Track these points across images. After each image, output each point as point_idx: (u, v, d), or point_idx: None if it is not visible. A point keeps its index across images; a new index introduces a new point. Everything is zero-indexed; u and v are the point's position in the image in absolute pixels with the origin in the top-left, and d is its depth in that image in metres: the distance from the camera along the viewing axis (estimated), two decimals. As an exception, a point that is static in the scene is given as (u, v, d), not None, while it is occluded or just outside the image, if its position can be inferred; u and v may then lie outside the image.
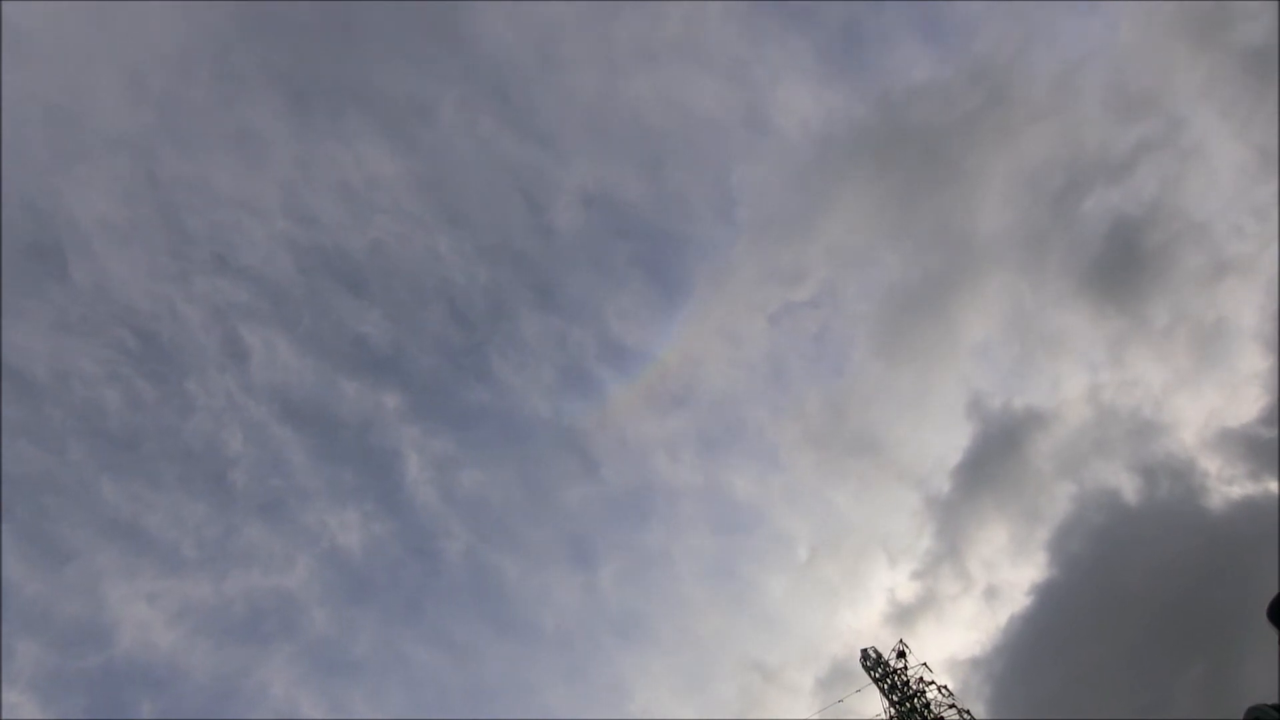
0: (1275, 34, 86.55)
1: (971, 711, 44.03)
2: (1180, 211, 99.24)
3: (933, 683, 45.07)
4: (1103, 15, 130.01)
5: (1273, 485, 75.90)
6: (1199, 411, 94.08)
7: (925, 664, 45.68)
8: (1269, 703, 16.59)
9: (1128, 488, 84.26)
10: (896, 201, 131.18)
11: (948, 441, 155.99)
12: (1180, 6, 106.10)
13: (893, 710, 45.16)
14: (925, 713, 44.23)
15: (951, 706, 44.17)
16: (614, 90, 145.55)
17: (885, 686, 45.86)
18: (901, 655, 46.29)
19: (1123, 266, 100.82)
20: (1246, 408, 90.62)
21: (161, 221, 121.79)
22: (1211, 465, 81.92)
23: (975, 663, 77.96)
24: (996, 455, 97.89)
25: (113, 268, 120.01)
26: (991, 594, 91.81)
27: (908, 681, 45.52)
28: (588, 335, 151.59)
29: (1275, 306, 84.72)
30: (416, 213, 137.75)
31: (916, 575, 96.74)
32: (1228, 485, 79.65)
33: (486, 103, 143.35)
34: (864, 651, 47.35)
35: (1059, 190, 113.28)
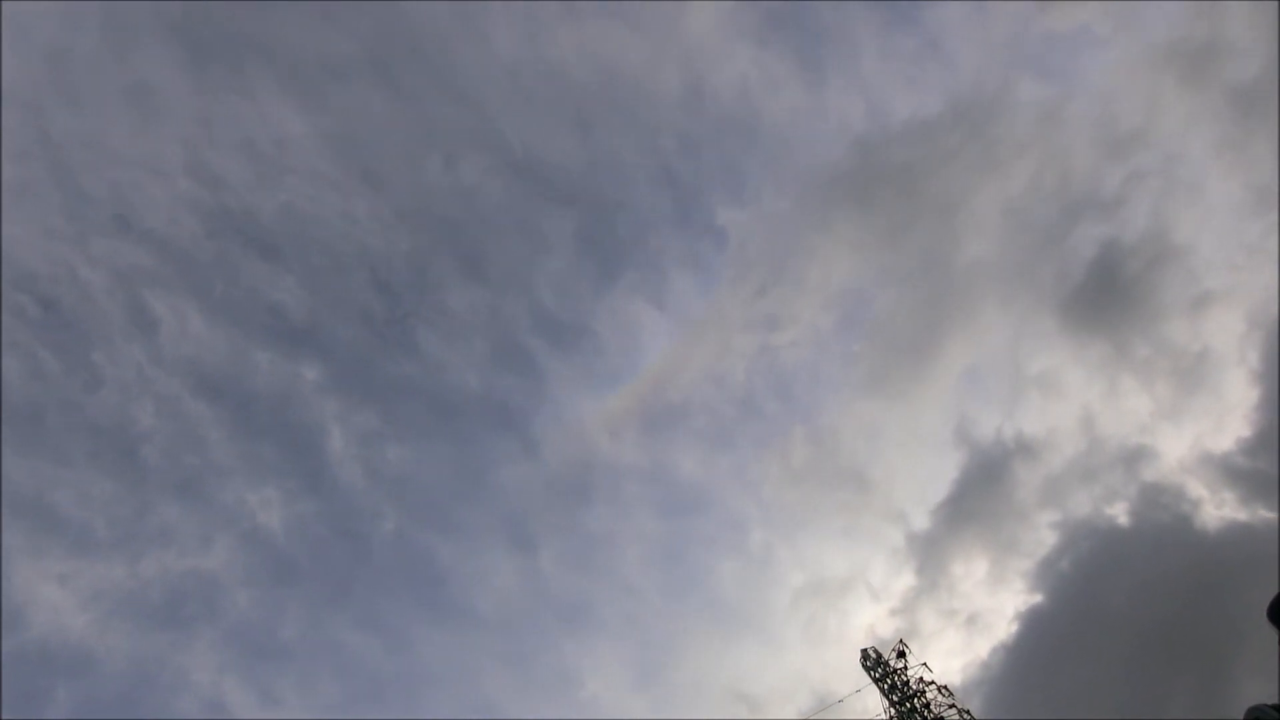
0: (1266, 70, 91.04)
1: (971, 711, 44.11)
2: (1167, 243, 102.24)
3: (932, 683, 45.15)
4: (1091, 51, 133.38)
5: (1260, 510, 77.45)
6: (1184, 439, 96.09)
7: (925, 664, 45.85)
8: (1269, 703, 17.29)
9: (1113, 514, 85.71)
10: (881, 237, 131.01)
11: (934, 474, 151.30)
12: (1171, 42, 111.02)
13: (893, 710, 45.08)
14: (925, 713, 44.19)
15: (951, 706, 44.18)
16: (538, 47, 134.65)
17: (885, 686, 45.83)
18: (901, 655, 46.34)
19: (1109, 298, 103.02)
20: (1231, 435, 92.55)
21: (56, 181, 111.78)
22: (1197, 491, 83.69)
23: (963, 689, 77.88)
24: (983, 485, 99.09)
25: (6, 229, 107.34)
26: (973, 622, 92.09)
27: (907, 681, 45.52)
28: (519, 307, 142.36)
29: (1259, 337, 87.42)
30: (329, 175, 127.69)
31: (895, 612, 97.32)
32: (1215, 510, 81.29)
33: (402, 60, 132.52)
34: (864, 651, 47.33)
35: (1045, 223, 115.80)
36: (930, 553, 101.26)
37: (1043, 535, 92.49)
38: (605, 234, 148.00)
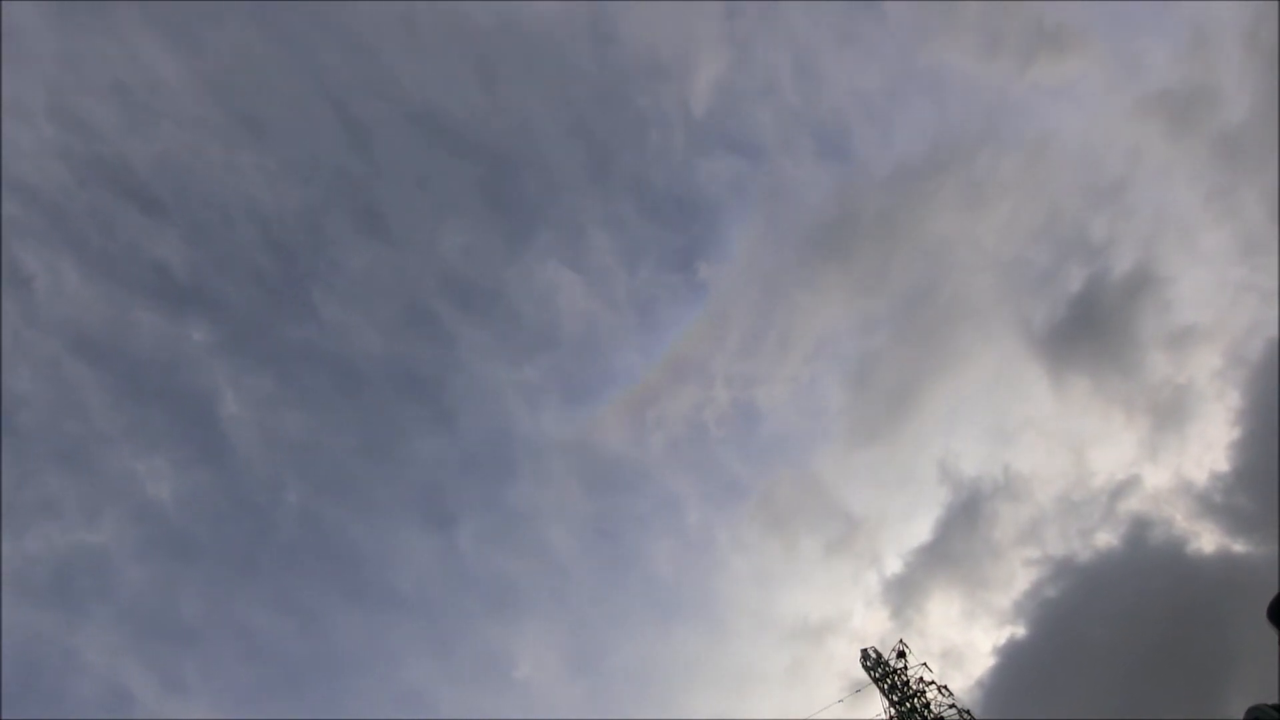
0: (1255, 115, 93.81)
1: (971, 712, 44.25)
2: (1148, 283, 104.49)
3: (933, 683, 45.26)
4: (1076, 96, 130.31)
5: (1240, 543, 78.73)
6: (1165, 473, 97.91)
7: (925, 664, 45.98)
8: (1269, 703, 16.85)
9: (1094, 547, 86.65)
10: (864, 283, 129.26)
11: (916, 514, 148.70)
12: (1160, 86, 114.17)
13: (893, 710, 45.09)
14: (925, 713, 44.25)
15: (951, 706, 44.29)
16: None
17: (885, 686, 45.87)
18: (901, 655, 46.42)
19: (1090, 337, 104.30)
20: (1212, 468, 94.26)
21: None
22: (1179, 524, 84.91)
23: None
24: (964, 523, 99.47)
25: None
26: (947, 656, 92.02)
27: (908, 681, 45.60)
28: (424, 268, 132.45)
29: (1238, 374, 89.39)
30: (209, 122, 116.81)
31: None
32: (1197, 543, 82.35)
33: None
34: (864, 651, 47.38)
35: (1029, 265, 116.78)
36: (908, 592, 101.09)
37: (1023, 570, 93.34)
38: (514, 191, 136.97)
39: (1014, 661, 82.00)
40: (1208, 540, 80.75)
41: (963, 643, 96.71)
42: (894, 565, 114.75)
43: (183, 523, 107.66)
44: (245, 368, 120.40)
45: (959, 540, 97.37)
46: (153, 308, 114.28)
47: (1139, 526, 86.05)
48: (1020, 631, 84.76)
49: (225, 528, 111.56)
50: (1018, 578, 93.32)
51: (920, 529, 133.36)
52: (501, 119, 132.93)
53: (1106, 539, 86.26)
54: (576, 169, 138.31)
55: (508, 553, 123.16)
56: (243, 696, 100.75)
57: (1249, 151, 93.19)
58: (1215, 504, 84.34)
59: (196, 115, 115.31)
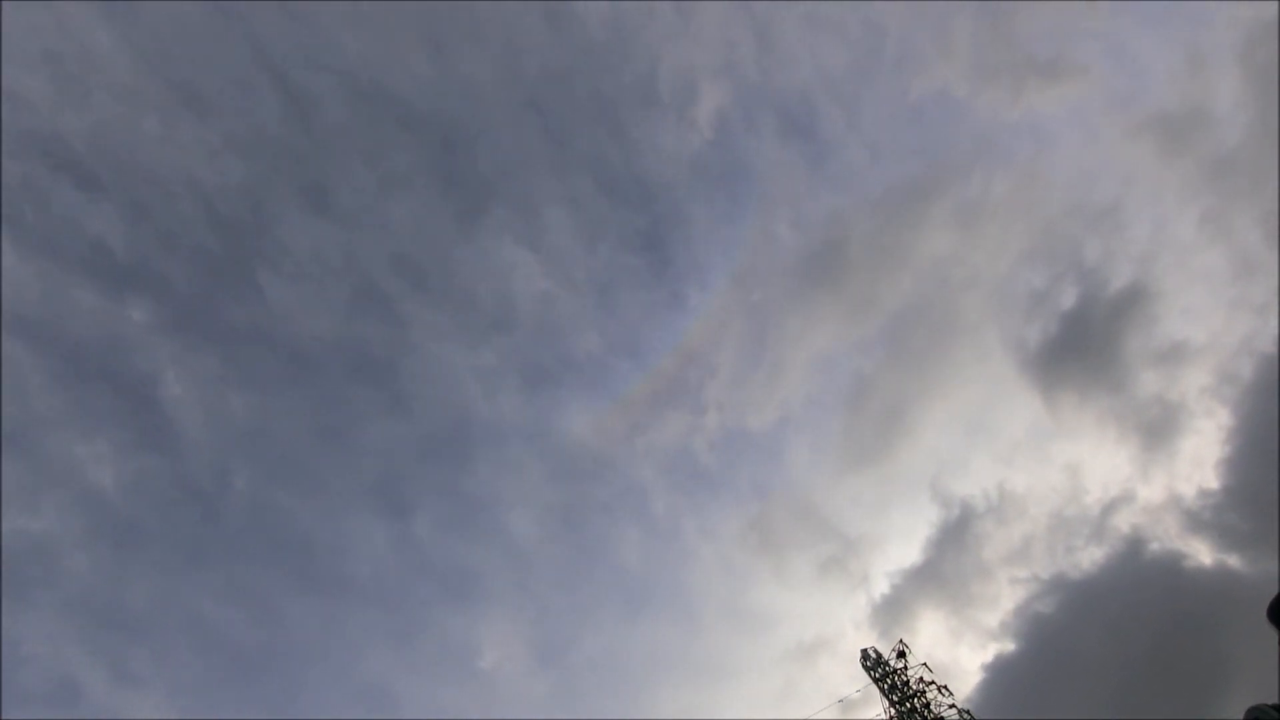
0: (1248, 137, 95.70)
1: (971, 712, 44.24)
2: (1139, 302, 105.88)
3: (932, 683, 45.27)
4: (1070, 119, 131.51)
5: (1232, 557, 79.34)
6: (1158, 488, 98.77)
7: (925, 664, 45.98)
8: (1269, 703, 16.89)
9: (1087, 562, 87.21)
10: (853, 307, 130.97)
11: (907, 535, 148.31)
12: (1154, 109, 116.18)
13: (893, 710, 45.03)
14: (925, 713, 44.22)
15: (951, 706, 44.29)
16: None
17: (885, 686, 45.83)
18: (901, 655, 46.45)
19: (1082, 356, 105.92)
20: (1202, 484, 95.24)
21: None
22: (1170, 538, 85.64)
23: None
24: (956, 543, 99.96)
25: None
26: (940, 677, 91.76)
27: (908, 682, 45.59)
28: (373, 247, 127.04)
29: (1228, 392, 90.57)
30: (145, 94, 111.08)
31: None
32: (1187, 557, 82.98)
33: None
34: (864, 651, 47.36)
35: (1022, 285, 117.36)
36: (897, 612, 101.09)
37: (1014, 588, 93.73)
38: (465, 167, 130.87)
39: (1003, 677, 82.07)
40: (1199, 556, 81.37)
41: (949, 660, 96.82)
42: (885, 585, 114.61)
43: (127, 509, 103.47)
44: (188, 349, 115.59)
45: (950, 560, 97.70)
46: (91, 287, 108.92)
47: (1130, 543, 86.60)
48: (1009, 647, 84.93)
49: (172, 514, 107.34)
50: (1008, 595, 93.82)
51: (912, 549, 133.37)
52: (450, 92, 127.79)
53: (1096, 555, 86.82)
54: (530, 144, 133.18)
55: (468, 541, 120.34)
56: (196, 687, 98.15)
57: (1242, 172, 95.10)
58: (1205, 520, 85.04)
59: (131, 86, 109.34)
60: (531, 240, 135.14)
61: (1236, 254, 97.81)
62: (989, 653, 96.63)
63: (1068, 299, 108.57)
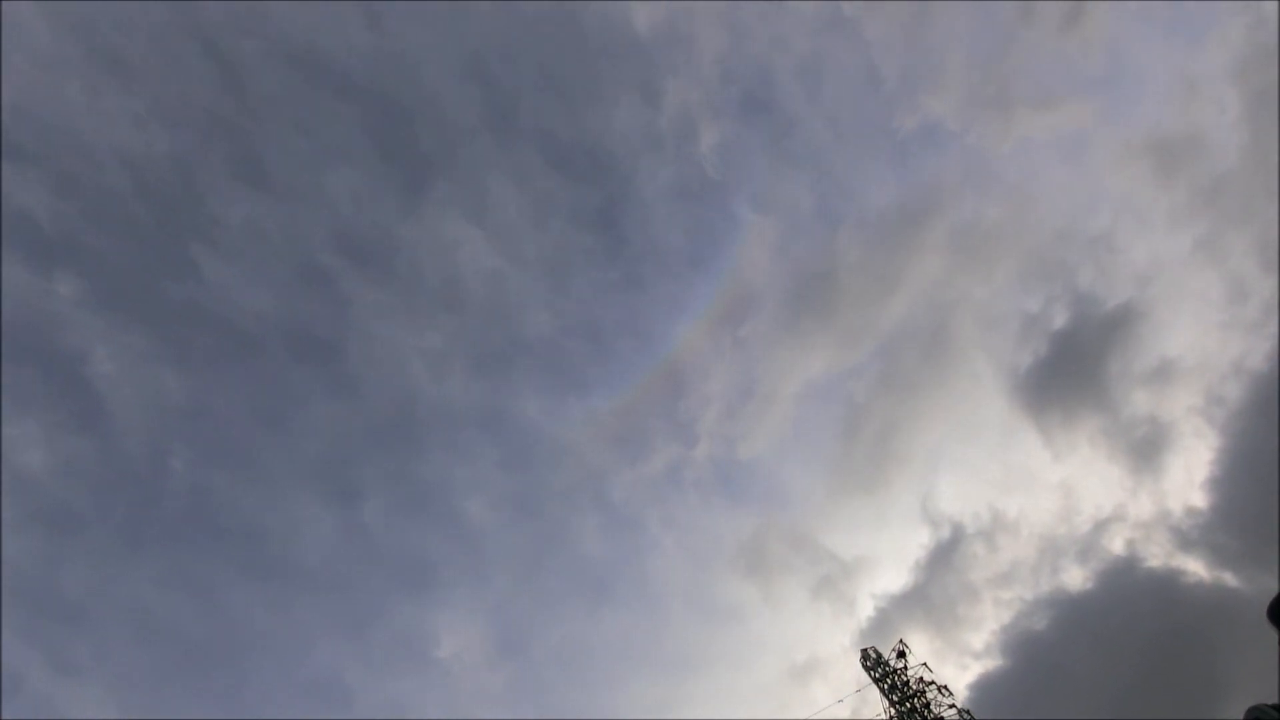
0: (1242, 162, 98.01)
1: (971, 712, 44.26)
2: (1130, 324, 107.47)
3: (932, 683, 45.31)
4: (1063, 144, 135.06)
5: (1223, 574, 79.99)
6: (1147, 508, 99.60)
7: (925, 664, 46.03)
8: (1269, 703, 17.14)
9: (1076, 581, 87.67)
10: (843, 333, 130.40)
11: (898, 558, 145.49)
12: (1147, 134, 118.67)
13: (893, 710, 45.01)
14: (925, 713, 44.22)
15: (951, 706, 44.32)
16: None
17: (885, 686, 45.83)
18: (901, 655, 46.51)
19: (1073, 378, 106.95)
20: (1192, 503, 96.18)
21: None
22: (1160, 557, 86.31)
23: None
24: (946, 565, 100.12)
25: None
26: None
27: (908, 681, 45.61)
28: (312, 222, 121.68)
29: (1217, 412, 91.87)
30: (69, 61, 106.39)
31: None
32: (1178, 575, 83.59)
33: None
34: (864, 651, 47.42)
35: (1013, 309, 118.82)
36: (887, 634, 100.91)
37: (1003, 607, 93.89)
38: (405, 137, 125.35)
39: (989, 696, 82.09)
40: (1190, 573, 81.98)
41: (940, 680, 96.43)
42: (872, 607, 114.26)
43: (59, 492, 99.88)
44: (120, 326, 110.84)
45: (940, 581, 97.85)
46: (16, 260, 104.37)
47: (1120, 561, 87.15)
48: (998, 665, 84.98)
49: (107, 498, 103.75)
50: (998, 615, 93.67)
51: (903, 571, 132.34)
52: (389, 60, 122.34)
53: (1086, 574, 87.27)
54: (474, 115, 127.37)
55: (421, 528, 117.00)
56: (140, 678, 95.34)
57: (1234, 196, 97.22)
58: (1195, 539, 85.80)
59: (54, 53, 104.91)
60: (478, 217, 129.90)
61: (1229, 276, 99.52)
62: (976, 672, 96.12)
63: (1059, 321, 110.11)
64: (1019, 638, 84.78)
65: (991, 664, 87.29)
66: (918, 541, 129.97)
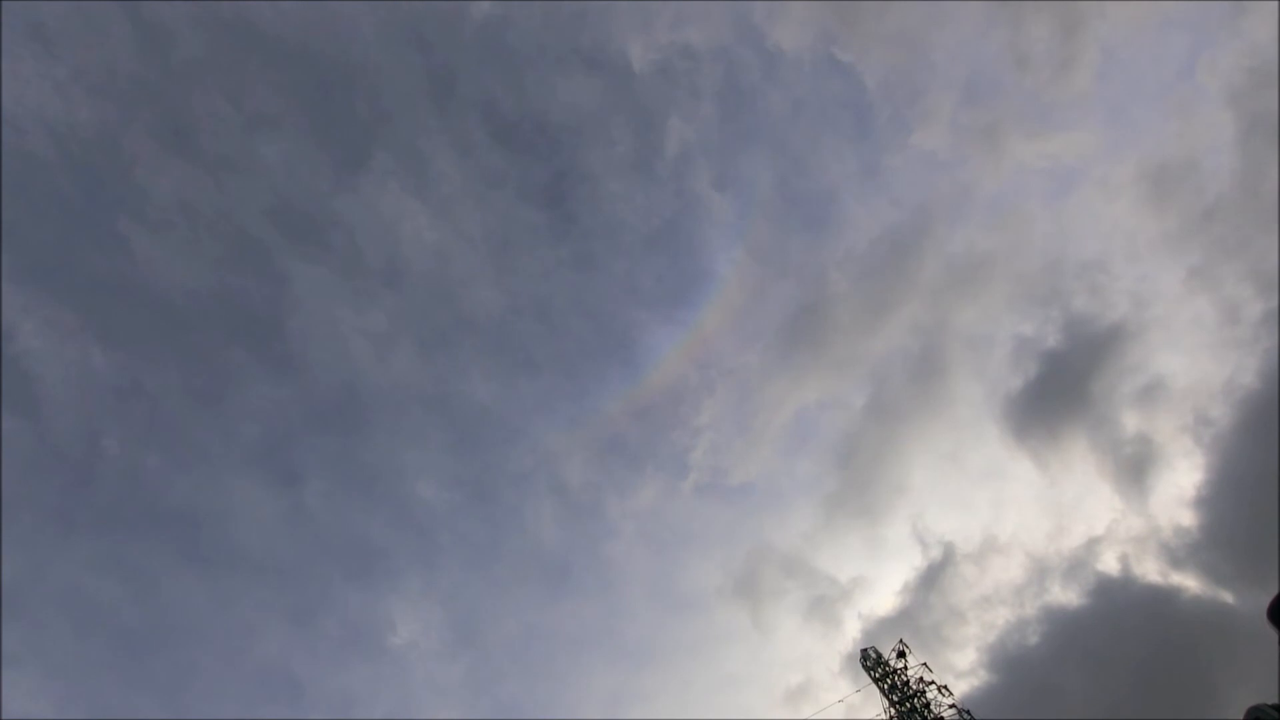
0: (1236, 187, 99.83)
1: (971, 712, 44.22)
2: (1120, 346, 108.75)
3: (932, 683, 45.29)
4: (1055, 171, 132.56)
5: (1215, 592, 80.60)
6: (1137, 527, 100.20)
7: (925, 664, 46.03)
8: (1269, 703, 17.30)
9: (1066, 601, 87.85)
10: (835, 360, 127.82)
11: (889, 582, 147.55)
12: (1140, 160, 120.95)
13: (893, 710, 44.92)
14: (925, 713, 44.16)
15: (951, 706, 44.28)
16: None
17: (885, 686, 45.76)
18: (902, 655, 46.51)
19: (1063, 400, 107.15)
20: (1182, 522, 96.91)
21: None
22: (1151, 576, 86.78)
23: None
24: (936, 590, 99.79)
25: None
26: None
27: (908, 681, 45.58)
28: (244, 193, 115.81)
29: (1205, 431, 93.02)
30: None
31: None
32: (1168, 594, 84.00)
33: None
34: (864, 651, 47.40)
35: (1005, 333, 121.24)
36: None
37: (991, 629, 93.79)
38: (343, 108, 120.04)
39: (978, 710, 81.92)
40: (1181, 590, 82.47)
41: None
42: (862, 629, 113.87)
43: None
44: (44, 300, 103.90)
45: (928, 604, 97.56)
46: None
47: (1111, 580, 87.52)
48: (984, 681, 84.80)
49: (35, 480, 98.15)
50: (984, 635, 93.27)
51: (892, 594, 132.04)
52: (322, 24, 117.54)
53: (1076, 594, 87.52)
54: (413, 83, 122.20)
55: (368, 514, 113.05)
56: (77, 667, 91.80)
57: (1228, 223, 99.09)
58: (1184, 559, 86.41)
59: None
60: (420, 190, 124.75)
61: (1221, 300, 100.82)
62: (960, 690, 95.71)
63: (1050, 344, 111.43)
64: (1006, 655, 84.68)
65: (978, 681, 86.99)
66: (910, 564, 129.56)
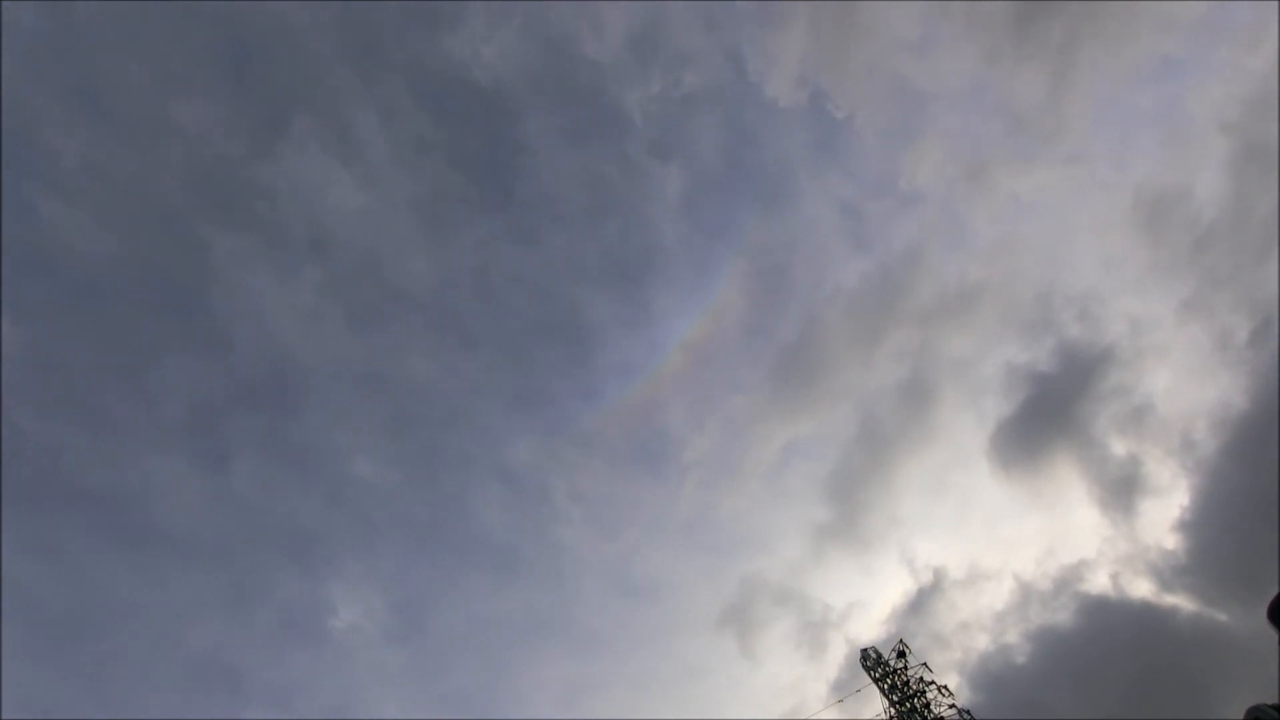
0: (1227, 213, 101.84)
1: (971, 712, 44.20)
2: (1109, 371, 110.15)
3: (932, 683, 45.29)
4: (1046, 197, 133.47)
5: (1207, 612, 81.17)
6: (1125, 551, 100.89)
7: (925, 664, 46.04)
8: (1269, 703, 17.38)
9: (1054, 623, 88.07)
10: (826, 388, 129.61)
11: (880, 606, 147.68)
12: (1135, 185, 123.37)
13: (893, 710, 44.84)
14: (925, 712, 44.13)
15: (951, 706, 44.27)
16: None
17: (885, 686, 45.71)
18: (901, 655, 46.53)
19: (1051, 425, 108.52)
20: (1169, 546, 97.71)
21: None
22: (1140, 599, 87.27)
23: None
24: (927, 610, 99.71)
25: None
26: None
27: (908, 681, 45.56)
28: (157, 158, 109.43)
29: (1190, 455, 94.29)
30: None
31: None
32: (1159, 615, 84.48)
33: None
34: (864, 651, 47.38)
35: (992, 359, 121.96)
36: (863, 680, 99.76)
37: (978, 654, 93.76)
38: (260, 68, 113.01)
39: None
40: (1172, 612, 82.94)
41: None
42: (848, 656, 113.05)
43: None
44: None
45: (917, 629, 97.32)
46: None
47: (1099, 603, 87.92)
48: (967, 699, 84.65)
49: None
50: (967, 659, 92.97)
51: (879, 622, 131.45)
52: None
53: (1065, 617, 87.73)
54: (331, 42, 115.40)
55: (302, 495, 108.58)
56: (4, 655, 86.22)
57: (1219, 249, 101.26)
58: (1172, 581, 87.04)
59: None
60: (344, 154, 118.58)
61: (1210, 329, 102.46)
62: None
63: (1040, 369, 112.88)
64: (990, 676, 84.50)
65: (962, 699, 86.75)
66: (901, 590, 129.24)
